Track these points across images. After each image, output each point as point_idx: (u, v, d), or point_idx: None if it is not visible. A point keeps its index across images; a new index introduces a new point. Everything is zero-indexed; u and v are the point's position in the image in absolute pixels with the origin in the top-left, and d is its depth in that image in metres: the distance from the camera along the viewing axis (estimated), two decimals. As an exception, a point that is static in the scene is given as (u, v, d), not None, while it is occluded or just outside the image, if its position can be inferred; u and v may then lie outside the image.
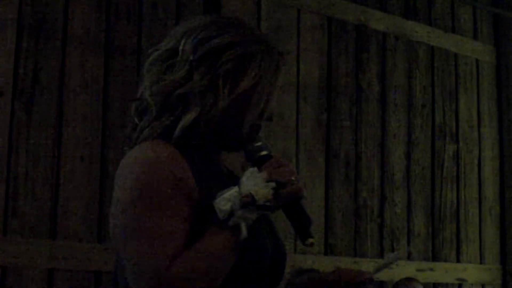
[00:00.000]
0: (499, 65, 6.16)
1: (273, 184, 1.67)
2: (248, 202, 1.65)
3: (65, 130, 4.03)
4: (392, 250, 5.34)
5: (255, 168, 1.72)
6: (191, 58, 1.78)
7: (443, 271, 5.58)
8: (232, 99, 1.78)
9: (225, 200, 1.66)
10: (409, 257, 5.38)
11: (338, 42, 5.28)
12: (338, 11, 5.28)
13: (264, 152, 1.79)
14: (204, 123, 1.77)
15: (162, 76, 1.80)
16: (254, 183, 1.67)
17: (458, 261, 5.70)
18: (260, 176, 1.68)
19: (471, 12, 6.10)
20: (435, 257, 5.57)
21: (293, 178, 1.71)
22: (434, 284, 5.54)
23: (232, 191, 1.67)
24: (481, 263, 5.84)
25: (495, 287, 5.90)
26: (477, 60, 6.06)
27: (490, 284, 5.86)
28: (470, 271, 5.74)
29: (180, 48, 1.81)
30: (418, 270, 5.40)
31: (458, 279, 5.66)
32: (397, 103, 5.53)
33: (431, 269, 5.51)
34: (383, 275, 5.21)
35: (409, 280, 4.95)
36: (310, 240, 1.72)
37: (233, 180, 1.82)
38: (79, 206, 4.01)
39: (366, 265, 5.14)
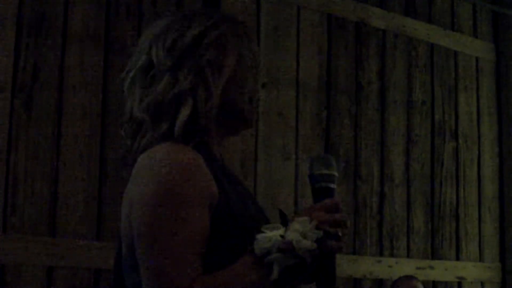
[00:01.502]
0: (498, 63, 6.16)
1: (320, 234, 1.62)
2: (287, 249, 1.60)
3: (65, 127, 4.02)
4: (392, 247, 5.34)
5: (306, 218, 1.62)
6: (169, 63, 1.76)
7: (442, 269, 5.58)
8: (224, 82, 1.78)
9: (267, 239, 1.62)
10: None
11: (338, 39, 5.28)
12: (338, 9, 5.27)
13: (326, 184, 1.69)
14: (204, 117, 1.75)
15: (146, 92, 1.77)
16: (301, 230, 1.61)
17: (457, 259, 5.70)
18: (309, 225, 1.62)
19: (470, 9, 6.10)
20: (434, 255, 5.57)
21: (340, 233, 1.66)
22: (433, 282, 5.53)
23: (277, 232, 1.63)
24: (480, 261, 5.84)
25: (495, 285, 5.90)
26: (476, 58, 6.06)
27: (490, 282, 5.87)
28: (470, 269, 5.74)
29: (154, 59, 1.78)
30: (417, 268, 5.40)
31: (457, 277, 5.66)
32: (397, 100, 5.52)
33: (431, 267, 5.51)
34: (382, 274, 5.21)
35: (409, 278, 4.95)
36: None
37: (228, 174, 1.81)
38: (78, 204, 4.00)
39: (366, 263, 5.14)
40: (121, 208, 1.77)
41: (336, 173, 1.72)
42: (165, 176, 1.63)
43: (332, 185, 1.70)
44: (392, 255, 5.33)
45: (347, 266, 5.01)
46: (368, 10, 5.44)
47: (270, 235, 1.63)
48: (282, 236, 1.62)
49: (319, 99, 5.11)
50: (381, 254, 5.27)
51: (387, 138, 5.42)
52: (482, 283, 5.83)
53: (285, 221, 1.68)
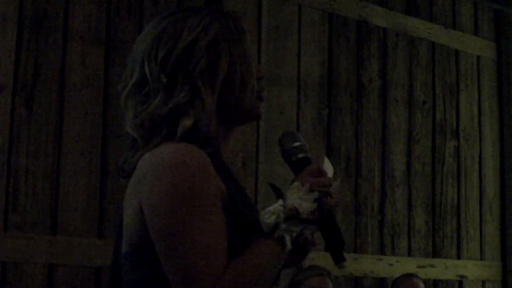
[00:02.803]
0: (500, 61, 6.16)
1: (316, 194, 1.69)
2: (293, 215, 1.67)
3: (66, 125, 4.03)
4: (393, 246, 5.34)
5: (297, 182, 1.71)
6: (163, 80, 1.76)
7: (443, 268, 5.58)
8: (220, 86, 1.77)
9: (270, 213, 1.68)
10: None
11: (339, 38, 5.28)
12: (339, 7, 5.27)
13: (302, 155, 1.79)
14: (206, 125, 1.75)
15: (141, 107, 1.78)
16: (298, 195, 1.69)
17: (458, 257, 5.70)
18: (303, 188, 1.70)
19: (472, 8, 6.10)
20: (435, 254, 5.57)
21: (331, 189, 1.73)
22: (434, 280, 5.54)
23: (277, 204, 1.69)
24: (481, 259, 5.84)
25: (495, 284, 5.90)
26: (478, 57, 6.06)
27: (490, 280, 5.87)
28: (471, 268, 5.74)
29: (147, 74, 1.78)
30: (418, 267, 5.40)
31: (458, 276, 5.66)
32: (398, 99, 5.52)
33: (432, 266, 5.51)
34: (383, 272, 5.22)
35: (410, 276, 4.95)
36: (344, 263, 1.74)
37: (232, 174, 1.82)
38: (80, 202, 4.01)
39: (367, 262, 5.15)
40: (124, 209, 1.77)
41: (305, 143, 1.81)
42: (179, 177, 1.63)
43: (308, 154, 1.79)
44: (393, 253, 5.33)
45: (348, 264, 5.01)
46: (369, 8, 5.44)
47: (272, 209, 1.69)
48: (283, 206, 1.68)
49: (320, 97, 5.11)
50: (382, 252, 5.28)
51: (388, 137, 5.42)
52: (483, 282, 5.83)
53: (279, 194, 1.73)
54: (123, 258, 1.76)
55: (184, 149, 1.68)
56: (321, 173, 1.76)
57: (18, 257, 3.81)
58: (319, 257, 4.83)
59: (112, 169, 4.10)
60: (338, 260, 1.74)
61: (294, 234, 1.67)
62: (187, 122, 1.74)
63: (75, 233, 3.98)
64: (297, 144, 1.80)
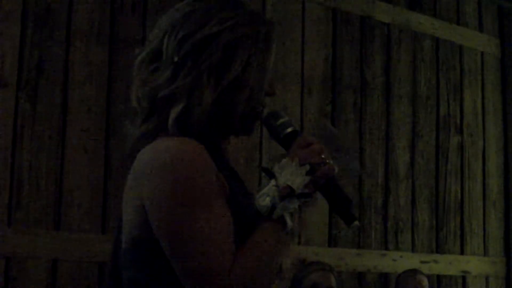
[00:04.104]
0: (503, 58, 6.15)
1: (307, 168, 1.67)
2: (287, 193, 1.66)
3: (69, 122, 4.03)
4: (396, 241, 5.35)
5: (286, 159, 1.70)
6: (175, 59, 1.75)
7: (447, 263, 5.58)
8: (219, 92, 1.75)
9: (264, 195, 1.67)
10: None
11: (343, 33, 5.28)
12: (343, 3, 5.27)
13: (289, 129, 1.77)
14: (196, 116, 1.74)
15: (147, 79, 1.78)
16: (289, 172, 1.67)
17: (462, 253, 5.70)
18: (293, 163, 1.68)
19: (476, 4, 6.09)
20: (439, 249, 5.58)
21: (323, 156, 1.70)
22: (438, 276, 5.54)
23: (270, 185, 1.68)
24: (485, 255, 5.84)
25: (499, 280, 5.90)
26: (481, 53, 6.05)
27: (494, 276, 5.87)
28: (474, 263, 5.75)
29: (164, 48, 1.77)
30: (422, 262, 5.41)
31: (462, 271, 5.67)
32: (402, 95, 5.52)
33: (435, 261, 5.51)
34: (387, 267, 5.22)
35: (413, 271, 4.96)
36: (356, 222, 1.71)
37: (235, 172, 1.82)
38: (83, 198, 4.02)
39: (370, 257, 5.15)
40: (124, 203, 1.77)
41: (290, 118, 1.80)
42: (180, 173, 1.62)
43: (296, 128, 1.77)
44: (396, 249, 5.33)
45: (351, 260, 5.02)
46: (373, 4, 5.43)
47: (266, 190, 1.67)
48: (276, 186, 1.67)
49: (323, 93, 5.11)
50: (385, 248, 5.28)
51: (392, 133, 5.42)
52: (487, 277, 5.83)
53: (271, 174, 1.71)
54: (123, 254, 1.77)
55: (183, 143, 1.67)
56: (309, 143, 1.72)
57: (22, 253, 3.82)
58: (323, 253, 4.85)
59: (115, 165, 4.11)
60: (350, 220, 1.70)
61: (293, 211, 1.66)
62: (176, 109, 1.73)
63: (78, 229, 3.99)
64: (282, 120, 1.78)
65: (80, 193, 4.01)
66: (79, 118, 4.06)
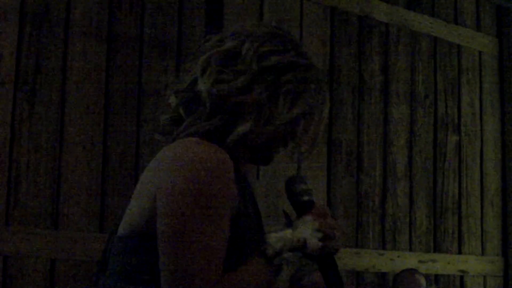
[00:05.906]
0: (501, 57, 6.15)
1: (321, 235, 1.72)
2: (299, 247, 1.71)
3: (67, 120, 4.03)
4: (394, 241, 5.35)
5: (310, 217, 1.75)
6: (254, 67, 1.74)
7: (444, 263, 5.58)
8: (288, 119, 1.75)
9: (277, 238, 1.71)
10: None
11: (341, 33, 5.28)
12: (341, 2, 5.27)
13: (307, 198, 1.82)
14: (255, 135, 1.75)
15: (221, 78, 1.75)
16: (307, 231, 1.72)
17: (459, 252, 5.71)
18: (312, 226, 1.73)
19: (474, 3, 6.09)
20: (436, 249, 5.58)
21: (336, 232, 1.76)
22: (435, 275, 5.54)
23: (286, 232, 1.72)
24: (482, 254, 5.84)
25: (497, 279, 5.90)
26: (480, 52, 6.05)
27: (492, 275, 5.87)
28: (472, 263, 5.75)
29: (243, 52, 1.76)
30: (419, 262, 5.41)
31: (459, 271, 5.67)
32: (400, 94, 5.52)
33: (433, 261, 5.51)
34: (385, 267, 5.22)
35: (411, 271, 4.97)
36: None
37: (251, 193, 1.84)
38: (81, 196, 4.01)
39: (368, 256, 5.15)
40: (135, 190, 1.76)
41: (306, 187, 1.85)
42: (200, 175, 1.62)
43: (309, 198, 1.82)
44: (394, 248, 5.34)
45: (349, 259, 5.02)
46: (371, 3, 5.44)
47: (281, 235, 1.71)
48: (291, 236, 1.72)
49: (321, 92, 5.10)
50: (383, 247, 5.28)
51: (389, 132, 5.42)
52: (484, 277, 5.83)
53: (289, 222, 1.77)
54: (117, 239, 1.77)
55: (208, 148, 1.66)
56: (326, 215, 1.78)
57: (20, 252, 3.81)
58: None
59: (114, 164, 4.11)
60: None
61: (292, 268, 1.71)
62: (243, 128, 1.74)
63: (76, 227, 3.98)
64: (305, 187, 1.83)
65: (78, 191, 4.00)
66: (77, 117, 4.05)
